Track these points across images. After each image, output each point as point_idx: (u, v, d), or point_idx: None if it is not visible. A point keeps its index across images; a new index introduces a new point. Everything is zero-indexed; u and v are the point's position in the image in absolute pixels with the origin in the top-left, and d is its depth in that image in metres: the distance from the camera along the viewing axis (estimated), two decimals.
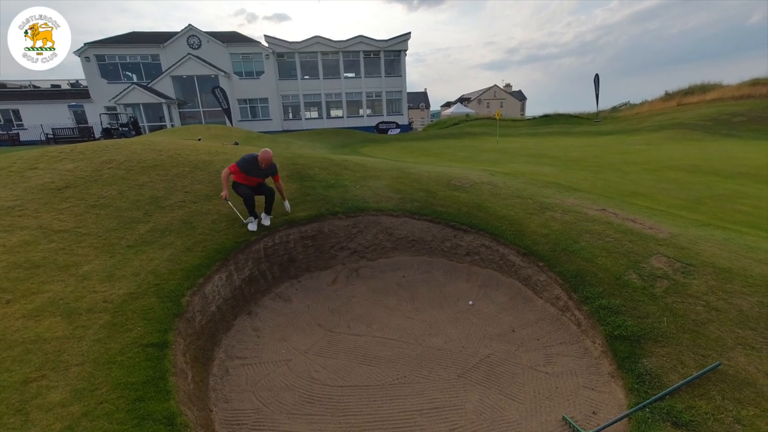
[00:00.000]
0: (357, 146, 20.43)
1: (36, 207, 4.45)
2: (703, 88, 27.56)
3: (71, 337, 2.67)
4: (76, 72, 29.58)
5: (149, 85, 28.66)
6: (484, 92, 67.78)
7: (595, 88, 30.75)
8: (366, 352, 3.52)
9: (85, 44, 28.70)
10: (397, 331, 3.84)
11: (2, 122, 29.45)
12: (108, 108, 28.23)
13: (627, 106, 32.58)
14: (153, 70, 30.39)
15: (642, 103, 31.15)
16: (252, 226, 4.71)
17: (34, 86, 35.40)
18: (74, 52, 28.84)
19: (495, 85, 68.73)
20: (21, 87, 34.29)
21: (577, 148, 15.25)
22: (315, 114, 35.60)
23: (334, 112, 35.83)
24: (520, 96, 73.79)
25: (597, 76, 30.95)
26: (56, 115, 29.51)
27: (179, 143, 7.43)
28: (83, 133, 26.82)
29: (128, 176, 5.49)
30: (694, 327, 2.87)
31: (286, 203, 5.10)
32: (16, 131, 28.77)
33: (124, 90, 27.87)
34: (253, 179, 4.65)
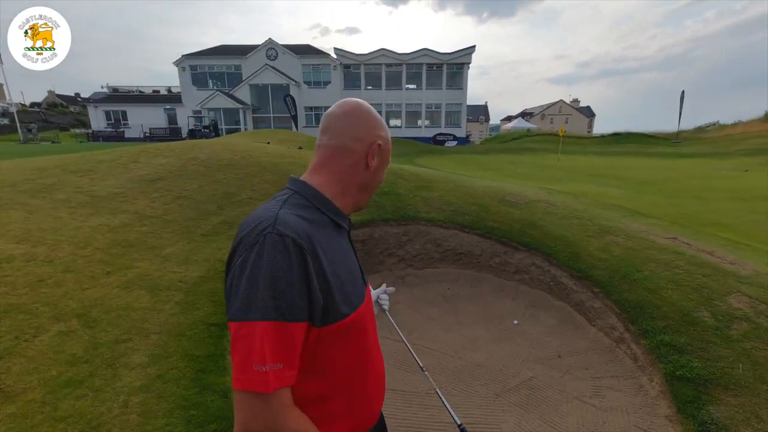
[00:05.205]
0: (413, 156, 20.61)
1: (134, 195, 5.20)
2: None
3: (152, 309, 3.08)
4: (174, 80, 34.57)
5: (230, 92, 31.78)
6: (549, 107, 64.65)
7: (680, 106, 28.02)
8: (405, 358, 3.58)
9: (182, 56, 33.04)
10: (438, 342, 3.85)
11: (113, 121, 34.72)
12: (194, 111, 31.79)
13: (715, 126, 29.04)
14: (235, 78, 33.74)
15: (734, 124, 27.48)
16: None
17: (140, 91, 40.46)
18: (173, 63, 33.06)
19: (561, 100, 65.16)
20: (129, 92, 39.72)
21: (650, 170, 14.00)
22: None
23: (392, 122, 36.56)
24: (588, 112, 69.27)
25: (683, 93, 28.22)
26: (154, 116, 34.26)
27: (251, 145, 8.15)
28: (173, 132, 30.66)
29: (208, 172, 6.17)
30: None
31: None
32: (122, 129, 33.81)
33: (209, 96, 31.42)
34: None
